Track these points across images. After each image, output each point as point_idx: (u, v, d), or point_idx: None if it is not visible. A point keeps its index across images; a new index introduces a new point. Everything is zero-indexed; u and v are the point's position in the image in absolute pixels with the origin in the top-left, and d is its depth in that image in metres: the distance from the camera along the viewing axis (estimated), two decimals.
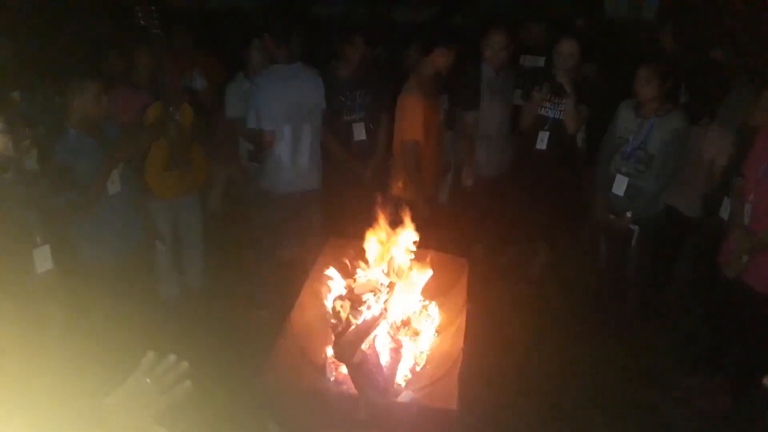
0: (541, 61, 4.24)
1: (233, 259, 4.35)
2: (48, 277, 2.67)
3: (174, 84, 3.52)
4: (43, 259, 2.63)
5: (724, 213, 3.23)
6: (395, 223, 2.66)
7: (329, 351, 2.43)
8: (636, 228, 3.59)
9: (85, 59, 3.84)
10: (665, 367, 3.60)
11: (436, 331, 2.59)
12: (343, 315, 2.45)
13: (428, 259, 2.65)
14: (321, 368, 2.43)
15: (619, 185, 3.56)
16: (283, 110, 3.64)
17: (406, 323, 2.53)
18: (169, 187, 3.62)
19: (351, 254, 2.67)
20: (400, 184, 3.81)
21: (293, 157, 3.75)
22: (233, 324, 3.82)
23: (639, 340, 3.80)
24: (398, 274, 2.63)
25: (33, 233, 2.61)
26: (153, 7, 3.25)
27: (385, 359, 2.40)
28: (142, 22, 3.26)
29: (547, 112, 3.92)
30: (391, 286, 2.56)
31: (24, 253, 2.59)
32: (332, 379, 2.42)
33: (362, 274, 2.62)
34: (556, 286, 4.29)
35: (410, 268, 2.58)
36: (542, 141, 3.93)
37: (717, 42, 3.85)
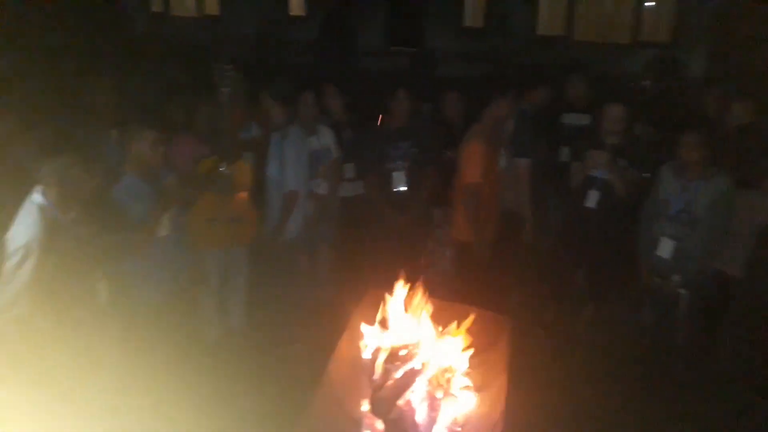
0: (585, 119, 4.27)
1: (271, 300, 4.40)
2: (105, 311, 2.78)
3: (232, 138, 3.65)
4: (103, 294, 2.75)
5: None
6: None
7: (365, 405, 2.42)
8: (684, 292, 3.50)
9: (149, 106, 4.03)
10: None
11: (475, 390, 2.55)
12: (381, 369, 2.46)
13: (470, 316, 2.64)
14: (357, 422, 2.41)
15: (665, 248, 3.50)
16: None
17: (444, 381, 2.50)
18: (213, 238, 3.73)
19: (390, 307, 2.68)
20: (460, 227, 4.04)
21: None
22: (272, 365, 3.84)
23: (687, 409, 3.63)
24: (439, 329, 2.62)
25: (96, 269, 2.73)
26: (230, 66, 3.40)
27: (421, 417, 2.38)
28: (215, 78, 3.41)
29: (595, 172, 3.91)
30: (430, 340, 2.55)
31: (88, 287, 2.71)
32: None
33: (402, 328, 2.62)
34: (601, 348, 4.16)
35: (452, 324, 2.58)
36: (592, 200, 3.91)
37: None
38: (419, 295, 2.67)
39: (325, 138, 4.24)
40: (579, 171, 3.96)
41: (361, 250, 4.35)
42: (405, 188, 4.15)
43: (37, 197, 2.57)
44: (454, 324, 2.59)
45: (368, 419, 2.41)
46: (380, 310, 2.68)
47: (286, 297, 4.38)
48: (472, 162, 3.87)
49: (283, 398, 3.24)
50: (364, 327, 2.66)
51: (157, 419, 2.89)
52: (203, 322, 3.93)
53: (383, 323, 2.65)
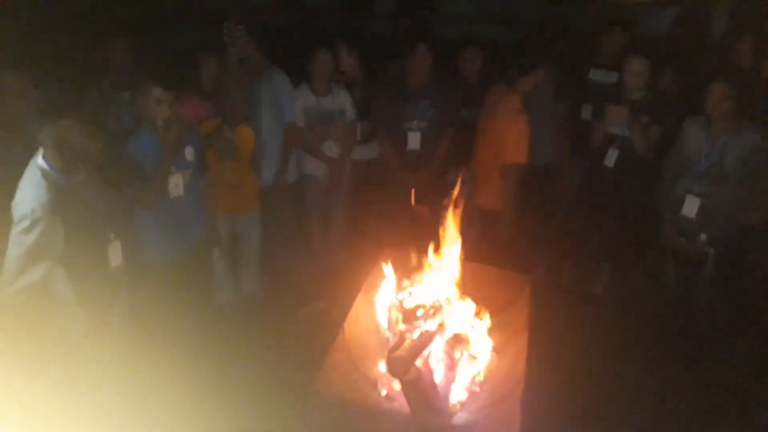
0: (613, 77, 4.10)
1: (285, 264, 4.36)
2: (117, 272, 2.74)
3: (236, 100, 3.56)
4: (115, 255, 2.70)
5: None
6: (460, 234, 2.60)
7: (382, 365, 2.37)
8: (711, 251, 3.39)
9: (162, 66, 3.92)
10: (737, 404, 3.35)
11: (494, 350, 2.49)
12: (398, 329, 2.40)
13: (488, 274, 2.57)
14: (373, 382, 2.37)
15: (691, 206, 3.36)
16: None
17: (462, 340, 2.44)
18: (217, 202, 3.67)
19: (406, 266, 2.62)
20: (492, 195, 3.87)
21: None
22: (285, 330, 3.80)
23: (710, 372, 3.56)
24: (456, 288, 2.56)
25: (107, 229, 2.68)
26: (241, 27, 3.28)
27: (439, 377, 2.32)
28: (225, 38, 3.31)
29: (616, 129, 3.77)
30: (447, 300, 2.49)
31: (100, 249, 2.66)
32: (384, 394, 2.36)
33: (418, 287, 2.56)
34: (620, 310, 4.08)
35: (469, 283, 2.51)
36: (611, 158, 3.77)
37: None
38: (436, 255, 2.60)
39: (340, 99, 4.13)
40: (599, 129, 3.82)
41: (375, 213, 4.27)
42: (418, 148, 4.03)
43: (39, 161, 2.48)
44: (473, 283, 2.53)
45: (385, 380, 2.37)
46: (396, 271, 2.61)
47: (300, 261, 4.34)
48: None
49: (297, 361, 3.20)
50: (380, 287, 2.60)
51: (170, 381, 2.87)
52: (215, 286, 3.90)
53: (399, 283, 2.59)
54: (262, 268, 4.13)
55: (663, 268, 3.75)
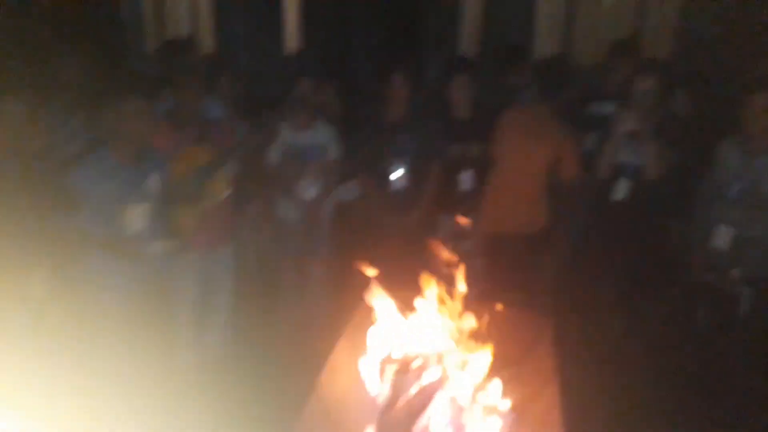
0: (610, 106, 3.76)
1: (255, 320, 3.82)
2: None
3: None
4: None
5: None
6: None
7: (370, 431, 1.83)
8: (745, 290, 2.95)
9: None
10: None
11: (513, 411, 1.95)
12: (390, 385, 1.88)
13: (499, 315, 2.08)
14: None
15: (722, 237, 2.95)
16: None
17: (472, 398, 1.92)
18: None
19: (399, 307, 2.12)
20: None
21: None
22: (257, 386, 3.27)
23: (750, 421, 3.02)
24: (460, 334, 2.05)
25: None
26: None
27: None
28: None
29: (626, 157, 3.39)
30: (450, 349, 1.98)
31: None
32: None
33: (414, 334, 2.05)
34: (644, 364, 3.55)
35: (479, 325, 2.01)
36: (621, 190, 3.38)
37: None
38: (435, 294, 2.11)
39: (322, 134, 3.72)
40: (607, 154, 3.42)
41: (357, 260, 3.77)
42: (404, 188, 3.59)
43: None
44: (482, 325, 2.03)
45: None
46: (385, 312, 2.11)
47: (272, 316, 3.83)
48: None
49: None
50: (367, 332, 2.09)
51: None
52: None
53: (391, 328, 2.08)
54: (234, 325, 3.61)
55: (689, 312, 3.29)
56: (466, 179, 3.65)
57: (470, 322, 2.05)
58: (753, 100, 2.84)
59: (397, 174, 3.60)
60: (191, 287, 3.30)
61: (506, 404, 1.94)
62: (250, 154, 3.50)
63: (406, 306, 2.14)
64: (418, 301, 2.12)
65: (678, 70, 3.93)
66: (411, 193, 3.61)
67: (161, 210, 2.85)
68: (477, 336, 2.03)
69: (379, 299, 2.21)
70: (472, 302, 2.12)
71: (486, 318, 2.06)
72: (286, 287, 3.93)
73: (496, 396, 1.96)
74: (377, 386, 1.95)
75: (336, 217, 3.95)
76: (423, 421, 1.79)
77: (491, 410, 1.92)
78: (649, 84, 3.27)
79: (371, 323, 2.15)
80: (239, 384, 3.31)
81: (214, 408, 2.94)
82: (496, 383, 1.99)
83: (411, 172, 3.59)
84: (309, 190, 3.72)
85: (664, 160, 3.28)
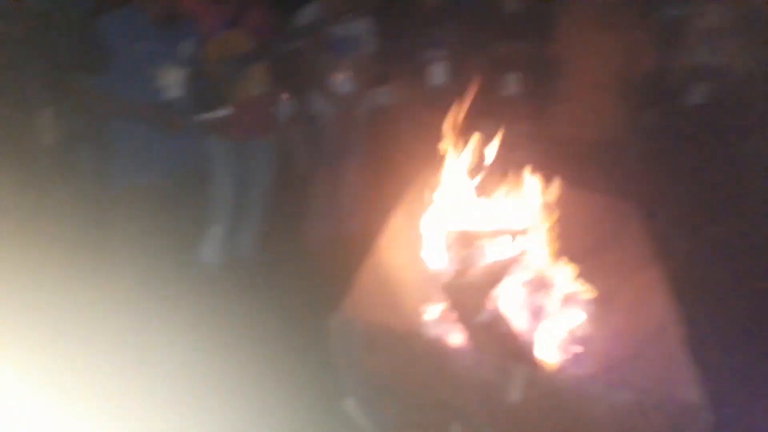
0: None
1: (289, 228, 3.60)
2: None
3: None
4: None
5: None
6: None
7: (432, 309, 1.58)
8: None
9: None
10: None
11: (595, 299, 1.69)
12: (456, 257, 1.63)
13: (580, 199, 1.80)
14: (421, 327, 1.57)
15: None
16: None
17: (551, 284, 1.66)
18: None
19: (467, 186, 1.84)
20: None
21: None
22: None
23: None
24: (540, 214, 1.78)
25: None
26: None
27: (523, 326, 1.54)
28: None
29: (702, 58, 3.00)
30: (529, 227, 1.72)
31: None
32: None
33: (487, 206, 1.79)
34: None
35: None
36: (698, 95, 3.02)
37: None
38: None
39: (356, 26, 3.38)
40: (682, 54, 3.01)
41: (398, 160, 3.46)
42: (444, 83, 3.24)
43: None
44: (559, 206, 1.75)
45: (441, 323, 1.56)
46: (449, 175, 1.83)
47: (304, 221, 3.59)
48: None
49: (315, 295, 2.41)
50: (427, 205, 1.82)
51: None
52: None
53: (455, 198, 1.81)
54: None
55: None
56: (511, 81, 3.30)
57: (547, 200, 1.77)
58: None
59: (434, 69, 3.27)
60: (227, 176, 3.07)
61: (589, 294, 1.68)
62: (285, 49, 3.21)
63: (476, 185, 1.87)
64: (486, 179, 1.85)
65: None
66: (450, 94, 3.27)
67: (198, 80, 2.58)
68: (554, 217, 1.76)
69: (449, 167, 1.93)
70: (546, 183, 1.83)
71: (564, 199, 1.78)
72: (319, 192, 3.66)
73: (578, 285, 1.70)
74: (440, 260, 1.70)
75: (372, 122, 3.64)
76: (493, 301, 1.54)
77: (573, 299, 1.66)
78: None
79: (425, 202, 1.88)
80: (268, 287, 3.12)
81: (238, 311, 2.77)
82: (579, 271, 1.73)
83: (451, 69, 3.23)
84: (344, 84, 3.42)
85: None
